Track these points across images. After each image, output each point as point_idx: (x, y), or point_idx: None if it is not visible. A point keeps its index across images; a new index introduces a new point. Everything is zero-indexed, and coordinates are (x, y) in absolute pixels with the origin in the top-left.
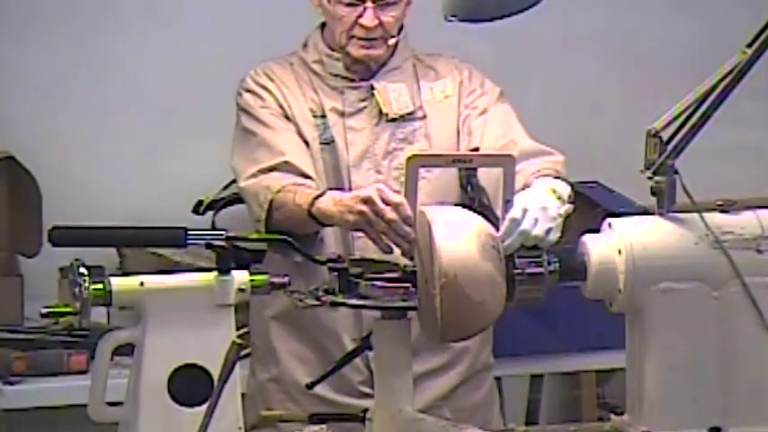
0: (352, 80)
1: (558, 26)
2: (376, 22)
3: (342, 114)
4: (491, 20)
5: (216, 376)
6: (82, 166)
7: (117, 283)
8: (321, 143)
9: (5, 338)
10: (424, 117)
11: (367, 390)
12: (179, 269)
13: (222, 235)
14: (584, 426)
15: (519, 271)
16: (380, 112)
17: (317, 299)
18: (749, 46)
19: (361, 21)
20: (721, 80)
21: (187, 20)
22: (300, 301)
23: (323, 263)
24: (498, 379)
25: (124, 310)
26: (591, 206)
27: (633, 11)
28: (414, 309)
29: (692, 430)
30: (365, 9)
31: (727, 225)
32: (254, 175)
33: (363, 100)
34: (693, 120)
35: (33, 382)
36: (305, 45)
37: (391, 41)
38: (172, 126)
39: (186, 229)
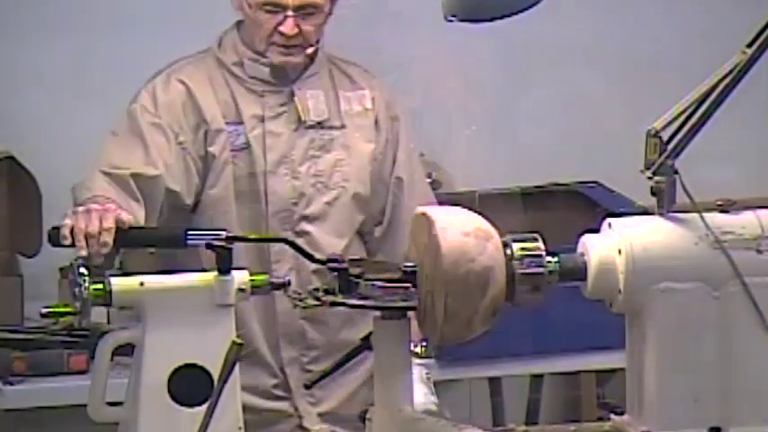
0: (273, 84)
1: (558, 26)
2: (296, 30)
3: (261, 119)
4: (491, 20)
5: (216, 376)
6: (82, 167)
7: (117, 283)
8: (233, 150)
9: (5, 338)
10: (343, 127)
11: (280, 393)
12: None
13: (222, 235)
14: (584, 426)
15: (519, 271)
16: (299, 118)
17: (317, 299)
18: (749, 46)
19: (281, 28)
20: (721, 80)
21: (189, 21)
22: (300, 301)
23: (323, 263)
24: (498, 379)
25: (124, 310)
26: (591, 206)
27: (633, 12)
28: (414, 309)
29: (691, 430)
30: (285, 17)
31: (727, 225)
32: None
33: (283, 105)
34: (693, 120)
35: (33, 382)
36: (220, 44)
37: (310, 50)
38: None
39: (186, 230)
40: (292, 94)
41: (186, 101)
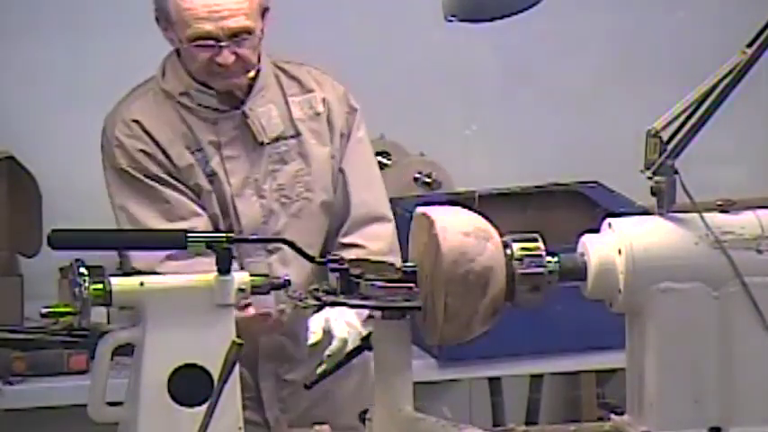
0: (224, 110)
1: (558, 26)
2: (232, 58)
3: (218, 146)
4: (491, 20)
5: (216, 376)
6: (82, 167)
7: (117, 283)
8: (206, 175)
9: (5, 338)
10: (297, 135)
11: (251, 404)
12: None
13: (222, 235)
14: (584, 426)
15: (519, 271)
16: (255, 138)
17: (318, 299)
18: (749, 46)
19: (217, 59)
20: (721, 80)
21: None
22: (300, 301)
23: (323, 263)
24: (498, 379)
25: (124, 310)
26: (591, 206)
27: (633, 11)
28: (414, 309)
29: (691, 430)
30: (220, 48)
31: (727, 225)
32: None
33: (237, 128)
34: (693, 120)
35: (33, 382)
36: (163, 74)
37: (252, 72)
38: None
39: (186, 231)
40: (245, 116)
41: (153, 144)
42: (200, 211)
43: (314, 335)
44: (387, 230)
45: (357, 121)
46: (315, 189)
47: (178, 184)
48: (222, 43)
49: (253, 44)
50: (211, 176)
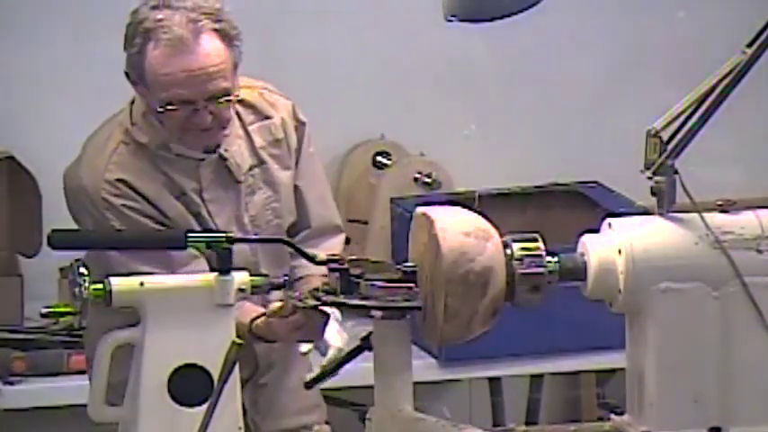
0: (202, 158)
1: (557, 26)
2: (210, 118)
3: (200, 191)
4: (491, 20)
5: (216, 376)
6: None
7: (117, 283)
8: (194, 217)
9: (5, 338)
10: (262, 163)
11: None
12: None
13: (222, 236)
14: (584, 426)
15: (519, 271)
16: (231, 175)
17: (318, 299)
18: (749, 46)
19: (194, 120)
20: (721, 80)
21: None
22: (300, 301)
23: (323, 263)
24: (498, 379)
25: (124, 309)
26: (591, 206)
27: (633, 11)
28: (415, 309)
29: (691, 430)
30: (196, 110)
31: (727, 225)
32: None
33: (214, 171)
34: (693, 120)
35: (33, 382)
36: (133, 123)
37: (227, 131)
38: None
39: (186, 231)
40: (222, 158)
41: (141, 199)
42: (196, 253)
43: (307, 346)
44: (340, 241)
45: (306, 135)
46: (283, 214)
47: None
48: (199, 105)
49: (229, 103)
50: (196, 216)
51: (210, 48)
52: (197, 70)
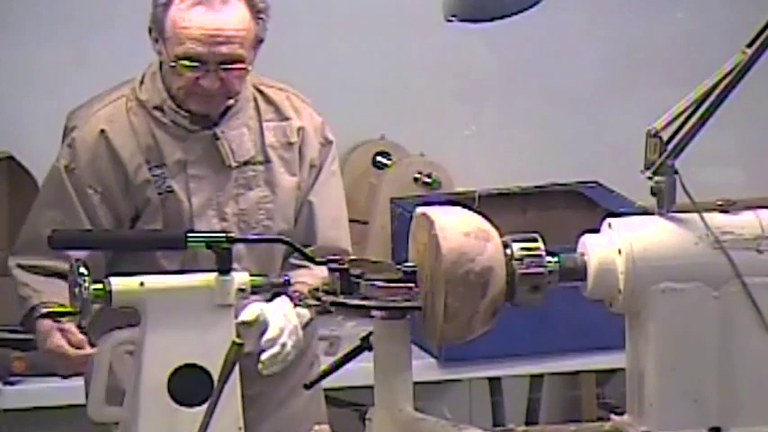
0: (195, 130)
1: (557, 26)
2: (217, 84)
3: (184, 164)
4: (491, 20)
5: (216, 376)
6: None
7: (117, 283)
8: (159, 193)
9: (5, 338)
10: (267, 162)
11: None
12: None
13: (222, 236)
14: (584, 426)
15: (519, 271)
16: (223, 160)
17: (318, 299)
18: (749, 46)
19: (202, 82)
20: (721, 80)
21: None
22: (300, 301)
23: (323, 263)
24: (498, 379)
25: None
26: (591, 206)
27: (633, 11)
28: (415, 309)
29: (691, 430)
30: (207, 71)
31: (727, 225)
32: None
33: (205, 148)
34: (693, 120)
35: (33, 382)
36: (141, 82)
37: (231, 101)
38: None
39: (186, 231)
40: (215, 137)
41: (109, 156)
42: None
43: (249, 314)
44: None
45: (331, 155)
46: (276, 218)
47: (99, 209)
48: (210, 67)
49: (240, 73)
50: (165, 194)
51: (235, 13)
52: (216, 30)
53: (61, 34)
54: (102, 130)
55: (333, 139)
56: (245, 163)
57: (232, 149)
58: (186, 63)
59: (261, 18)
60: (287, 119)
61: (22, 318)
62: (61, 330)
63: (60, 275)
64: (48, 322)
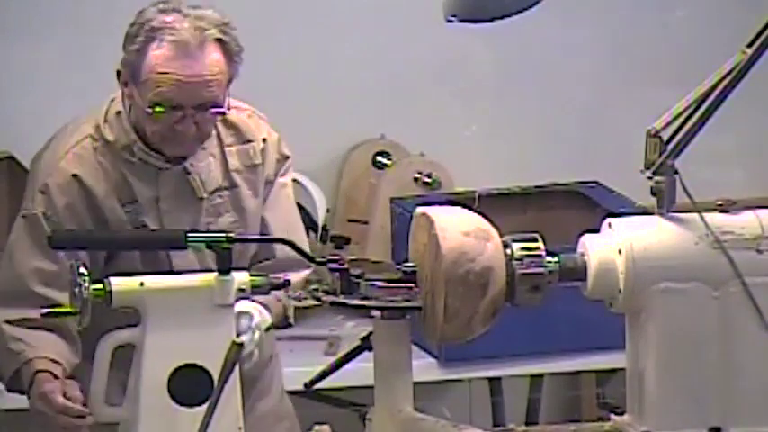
0: (165, 168)
1: (557, 26)
2: (194, 128)
3: (156, 200)
4: (491, 20)
5: (216, 376)
6: None
7: (117, 283)
8: (135, 227)
9: None
10: (233, 187)
11: None
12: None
13: (222, 236)
14: (584, 426)
15: (519, 271)
16: (194, 192)
17: (318, 299)
18: (749, 46)
19: (178, 127)
20: (721, 80)
21: None
22: (300, 301)
23: (323, 263)
24: (498, 379)
25: (124, 309)
26: (591, 206)
27: (633, 11)
28: (415, 309)
29: (691, 430)
30: (184, 116)
31: (727, 225)
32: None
33: (176, 182)
34: (693, 120)
35: None
36: (105, 120)
37: (206, 142)
38: None
39: (186, 231)
40: (186, 171)
41: (84, 198)
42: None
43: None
44: (300, 276)
45: (285, 168)
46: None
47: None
48: (187, 112)
49: (216, 116)
50: (141, 228)
51: (212, 58)
52: (194, 76)
53: (61, 34)
54: (75, 175)
55: (290, 154)
56: (214, 191)
57: (202, 180)
58: (163, 109)
59: (235, 61)
60: (249, 141)
61: (11, 372)
62: (62, 383)
63: (49, 329)
64: (46, 376)
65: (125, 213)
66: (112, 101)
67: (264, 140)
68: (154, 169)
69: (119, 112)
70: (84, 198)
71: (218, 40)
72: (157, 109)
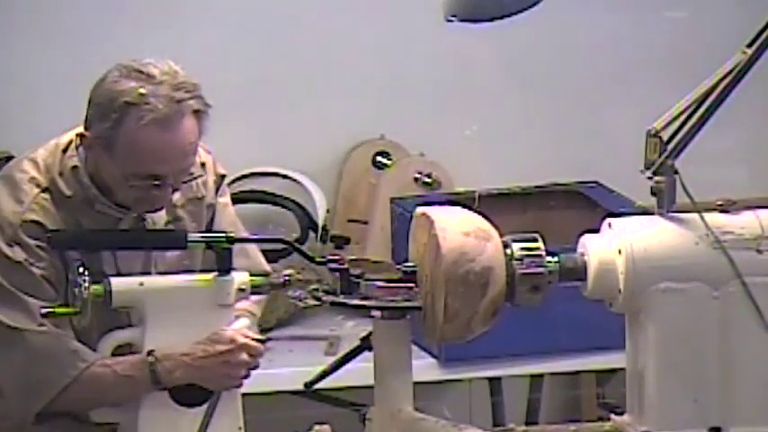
0: (120, 217)
1: (558, 26)
2: (171, 190)
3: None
4: (491, 20)
5: None
6: None
7: (117, 283)
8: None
9: None
10: (177, 220)
11: None
12: None
13: (222, 236)
14: (584, 426)
15: (519, 271)
16: None
17: (318, 299)
18: (749, 46)
19: (157, 192)
20: (721, 80)
21: (189, 20)
22: (300, 301)
23: (322, 263)
24: (498, 379)
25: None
26: (591, 206)
27: (633, 11)
28: (415, 309)
29: (691, 430)
30: (164, 184)
31: (727, 225)
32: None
33: (131, 228)
34: (693, 120)
35: None
36: (61, 173)
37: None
38: None
39: (186, 231)
40: (141, 218)
41: (47, 247)
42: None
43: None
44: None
45: (222, 188)
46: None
47: (51, 291)
48: (168, 180)
49: (191, 177)
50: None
51: (189, 126)
52: (175, 149)
53: (62, 35)
54: (40, 223)
55: (224, 172)
56: (160, 229)
57: (153, 222)
58: (140, 182)
59: (203, 121)
60: (191, 180)
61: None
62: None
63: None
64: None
65: (84, 260)
66: (64, 152)
67: (203, 165)
68: (111, 219)
69: (75, 167)
70: (49, 249)
71: (193, 109)
72: (138, 183)
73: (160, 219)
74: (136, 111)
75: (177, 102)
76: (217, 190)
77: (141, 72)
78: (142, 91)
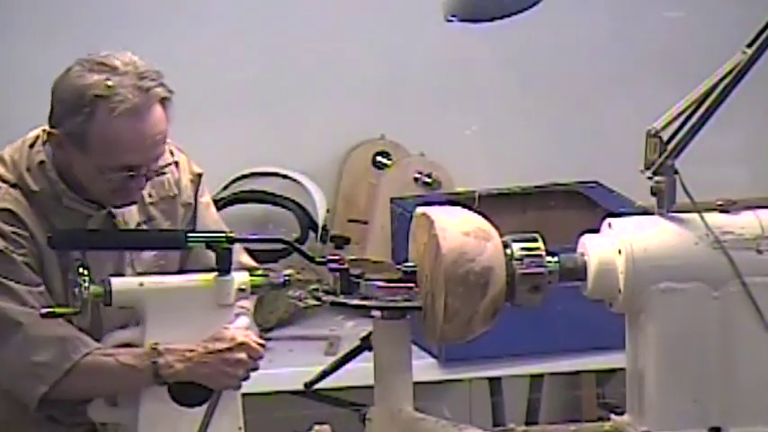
0: (90, 214)
1: (558, 26)
2: (145, 181)
3: None
4: (491, 20)
5: None
6: None
7: (117, 283)
8: (62, 270)
9: None
10: (150, 220)
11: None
12: None
13: (222, 236)
14: (584, 426)
15: (519, 271)
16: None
17: (318, 299)
18: (749, 46)
19: (132, 184)
20: (721, 80)
21: (189, 20)
22: (300, 301)
23: (322, 263)
24: (498, 379)
25: (124, 309)
26: (591, 206)
27: (633, 10)
28: (415, 309)
29: (691, 430)
30: (141, 176)
31: (727, 225)
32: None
33: (101, 225)
34: (693, 120)
35: None
36: (28, 169)
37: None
38: (171, 126)
39: (186, 231)
40: (111, 215)
41: (25, 229)
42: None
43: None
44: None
45: (201, 187)
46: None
47: (34, 276)
48: (142, 171)
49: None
50: (65, 274)
51: (158, 114)
52: (148, 138)
53: (62, 35)
54: (12, 212)
55: (201, 171)
56: (135, 228)
57: (125, 221)
58: (115, 174)
59: (168, 107)
60: (163, 172)
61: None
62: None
63: None
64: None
65: (56, 256)
66: (31, 147)
67: (177, 164)
68: (81, 216)
69: (42, 162)
70: (25, 229)
71: (160, 97)
72: (113, 176)
73: (132, 218)
74: (106, 103)
75: (146, 90)
76: (196, 190)
77: (104, 64)
78: (109, 83)
